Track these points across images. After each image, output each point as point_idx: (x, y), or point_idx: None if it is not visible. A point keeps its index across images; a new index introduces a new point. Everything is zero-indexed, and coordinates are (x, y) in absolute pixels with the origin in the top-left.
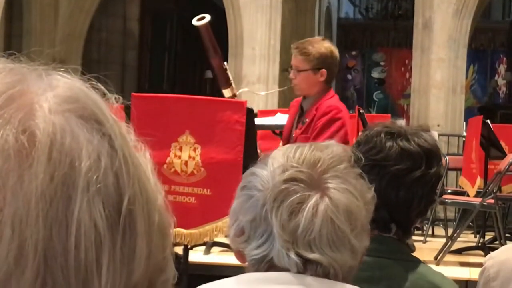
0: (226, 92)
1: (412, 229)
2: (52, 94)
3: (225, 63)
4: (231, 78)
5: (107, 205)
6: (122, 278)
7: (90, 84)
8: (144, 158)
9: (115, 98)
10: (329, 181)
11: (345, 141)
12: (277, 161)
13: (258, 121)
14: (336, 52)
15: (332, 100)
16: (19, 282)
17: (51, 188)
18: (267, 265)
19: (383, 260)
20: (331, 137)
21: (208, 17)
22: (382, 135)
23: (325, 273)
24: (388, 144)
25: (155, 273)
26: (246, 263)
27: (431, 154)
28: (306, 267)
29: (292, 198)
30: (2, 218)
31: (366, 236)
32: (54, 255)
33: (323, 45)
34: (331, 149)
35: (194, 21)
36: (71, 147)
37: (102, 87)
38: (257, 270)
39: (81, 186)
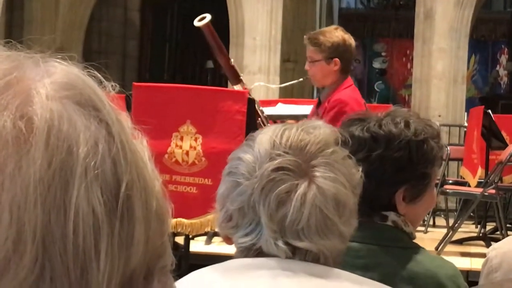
0: (238, 88)
1: (395, 205)
2: (50, 81)
3: (232, 60)
4: (240, 73)
5: (105, 190)
6: (121, 263)
7: (87, 72)
8: (141, 145)
9: (112, 85)
10: (316, 168)
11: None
12: (263, 146)
13: (268, 111)
14: (350, 40)
15: (345, 91)
16: (17, 267)
17: (49, 174)
18: (256, 252)
19: (380, 247)
20: None
21: (208, 17)
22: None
23: (315, 259)
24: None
25: (153, 259)
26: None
27: (379, 139)
28: (295, 253)
29: (280, 187)
30: (0, 204)
31: (354, 219)
32: (53, 240)
33: (335, 34)
34: (319, 130)
35: (196, 22)
36: (69, 133)
37: (99, 75)
38: (245, 257)
39: (79, 172)
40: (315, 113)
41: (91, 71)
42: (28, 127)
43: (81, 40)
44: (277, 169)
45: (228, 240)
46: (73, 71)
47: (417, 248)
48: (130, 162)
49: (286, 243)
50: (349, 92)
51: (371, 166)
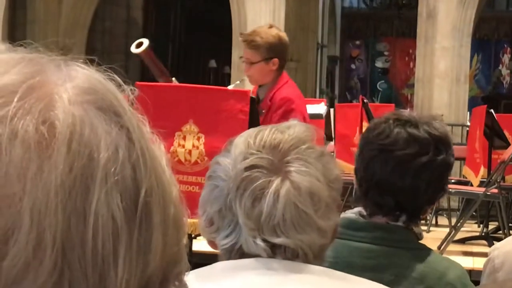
0: None
1: (419, 216)
2: (71, 85)
3: (173, 79)
4: None
5: (124, 196)
6: (138, 269)
7: (106, 75)
8: (159, 150)
9: (131, 89)
10: (290, 164)
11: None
12: (239, 148)
13: None
14: (285, 37)
15: (286, 89)
16: (37, 271)
17: (70, 179)
18: (239, 253)
19: (389, 248)
20: None
21: (146, 42)
22: (391, 121)
23: (294, 255)
24: (396, 130)
25: (169, 265)
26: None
27: (440, 141)
28: (275, 251)
29: (254, 185)
30: (21, 208)
31: (333, 213)
32: (72, 245)
33: (271, 34)
34: (293, 129)
35: (133, 49)
36: (90, 139)
37: (118, 78)
38: (229, 259)
39: (100, 178)
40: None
41: (110, 74)
42: (51, 132)
43: (84, 39)
44: (250, 167)
45: (213, 244)
46: (94, 75)
47: (427, 249)
48: (149, 169)
49: (264, 241)
50: (291, 89)
51: (434, 171)
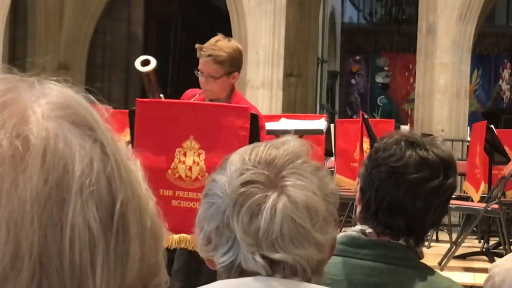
0: None
1: (424, 238)
2: (45, 101)
3: (162, 96)
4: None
5: (100, 207)
6: (116, 279)
7: (81, 94)
8: (135, 165)
9: (106, 108)
10: (286, 178)
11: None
12: (234, 165)
13: (271, 125)
14: (240, 48)
15: (241, 100)
16: (15, 283)
17: (46, 191)
18: (238, 270)
19: (392, 266)
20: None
21: (154, 63)
22: (402, 143)
23: (293, 271)
24: (408, 152)
25: (148, 276)
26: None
27: (448, 165)
28: (274, 268)
29: (251, 200)
30: None
31: (331, 227)
32: (49, 256)
33: (232, 48)
34: (288, 145)
35: (138, 65)
36: (64, 152)
37: (91, 97)
38: (228, 277)
39: (75, 189)
40: None
41: (85, 94)
42: (25, 146)
43: (85, 54)
44: (246, 182)
45: (210, 263)
46: (68, 92)
47: (428, 269)
48: (124, 181)
49: (263, 257)
50: (246, 101)
51: (443, 195)
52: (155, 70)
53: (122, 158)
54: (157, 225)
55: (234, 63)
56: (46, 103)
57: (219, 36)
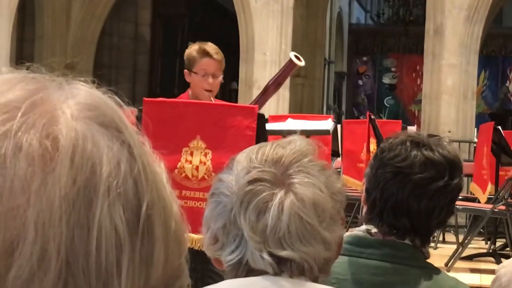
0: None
1: (429, 239)
2: (74, 102)
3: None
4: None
5: (126, 209)
6: (141, 281)
7: (108, 95)
8: (159, 167)
9: (131, 110)
10: (293, 176)
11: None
12: (241, 164)
13: (269, 126)
14: None
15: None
16: (42, 282)
17: (74, 192)
18: (246, 269)
19: (397, 266)
20: None
21: (302, 62)
22: (407, 143)
23: (300, 269)
24: (413, 152)
25: (170, 279)
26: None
27: (454, 165)
28: (281, 266)
29: (258, 198)
30: (25, 220)
31: (338, 226)
32: (76, 257)
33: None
34: (294, 144)
35: (293, 57)
36: (92, 153)
37: (117, 98)
38: (236, 275)
39: (102, 190)
40: None
41: (111, 95)
42: (54, 146)
43: (92, 54)
44: (254, 181)
45: (217, 262)
46: (96, 93)
47: (434, 268)
48: (150, 183)
49: (270, 254)
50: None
51: (448, 195)
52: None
53: (148, 160)
54: (181, 228)
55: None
56: (75, 104)
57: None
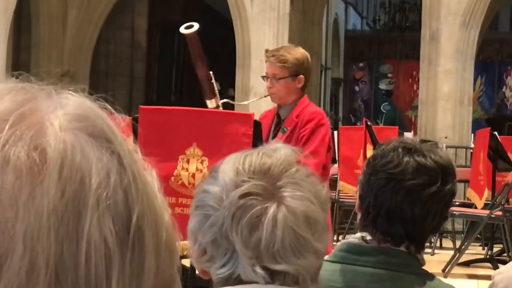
0: (210, 103)
1: (424, 244)
2: (63, 112)
3: (210, 72)
4: (216, 88)
5: (116, 221)
6: None
7: (98, 104)
8: (151, 176)
9: (122, 117)
10: (283, 189)
11: (329, 146)
12: (228, 175)
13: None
14: (309, 58)
15: (313, 106)
16: None
17: (62, 204)
18: (236, 281)
19: (393, 272)
20: (320, 145)
21: (196, 26)
22: (400, 150)
23: (294, 281)
24: (405, 159)
25: None
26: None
27: (446, 171)
28: (274, 278)
29: (250, 213)
30: (14, 233)
31: (326, 235)
32: (65, 270)
33: (299, 51)
34: (279, 152)
35: (182, 29)
36: (81, 164)
37: (109, 107)
38: (225, 285)
39: (91, 202)
40: (276, 129)
41: (101, 102)
42: (42, 158)
43: (89, 62)
44: (245, 195)
45: (204, 274)
46: (86, 103)
47: (429, 275)
48: (141, 193)
49: (264, 268)
50: (318, 108)
51: (441, 201)
52: (197, 35)
53: (139, 170)
54: (173, 238)
55: (299, 65)
56: (64, 114)
57: (293, 45)
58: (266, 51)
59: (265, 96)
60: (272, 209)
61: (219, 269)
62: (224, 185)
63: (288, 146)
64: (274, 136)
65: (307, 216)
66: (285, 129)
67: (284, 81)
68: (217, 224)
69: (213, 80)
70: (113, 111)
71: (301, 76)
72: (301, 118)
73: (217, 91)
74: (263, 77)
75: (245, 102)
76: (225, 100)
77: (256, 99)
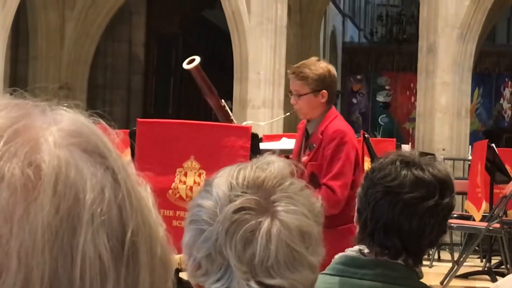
0: None
1: (421, 258)
2: (57, 128)
3: (222, 100)
4: (231, 114)
5: (111, 236)
6: None
7: (92, 120)
8: (145, 191)
9: (116, 133)
10: (277, 203)
11: (356, 164)
12: (221, 189)
13: (263, 145)
14: (333, 70)
15: (337, 122)
16: None
17: (57, 220)
18: None
19: (390, 285)
20: (343, 165)
21: (198, 59)
22: (397, 163)
23: None
24: (403, 172)
25: None
26: None
27: (444, 185)
28: None
29: (244, 227)
30: (8, 250)
31: (320, 247)
32: (60, 285)
33: (320, 66)
34: (273, 166)
35: (185, 65)
36: (76, 180)
37: (104, 123)
38: None
39: (86, 218)
40: (306, 145)
41: (96, 118)
42: (36, 174)
43: (86, 75)
44: (238, 209)
45: None
46: (80, 119)
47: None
48: (135, 209)
49: (258, 283)
50: (343, 123)
51: (439, 214)
52: (201, 68)
53: (133, 185)
54: (167, 253)
55: (320, 80)
56: (58, 131)
57: (316, 58)
58: (289, 67)
59: (291, 113)
60: (266, 223)
61: (214, 283)
62: (217, 199)
63: (282, 159)
64: (304, 152)
65: (301, 230)
66: (312, 146)
67: (306, 98)
68: (211, 239)
69: (226, 108)
70: (107, 126)
71: (324, 91)
72: (325, 135)
73: (232, 117)
74: (289, 93)
75: (262, 123)
76: (245, 123)
77: (283, 116)
